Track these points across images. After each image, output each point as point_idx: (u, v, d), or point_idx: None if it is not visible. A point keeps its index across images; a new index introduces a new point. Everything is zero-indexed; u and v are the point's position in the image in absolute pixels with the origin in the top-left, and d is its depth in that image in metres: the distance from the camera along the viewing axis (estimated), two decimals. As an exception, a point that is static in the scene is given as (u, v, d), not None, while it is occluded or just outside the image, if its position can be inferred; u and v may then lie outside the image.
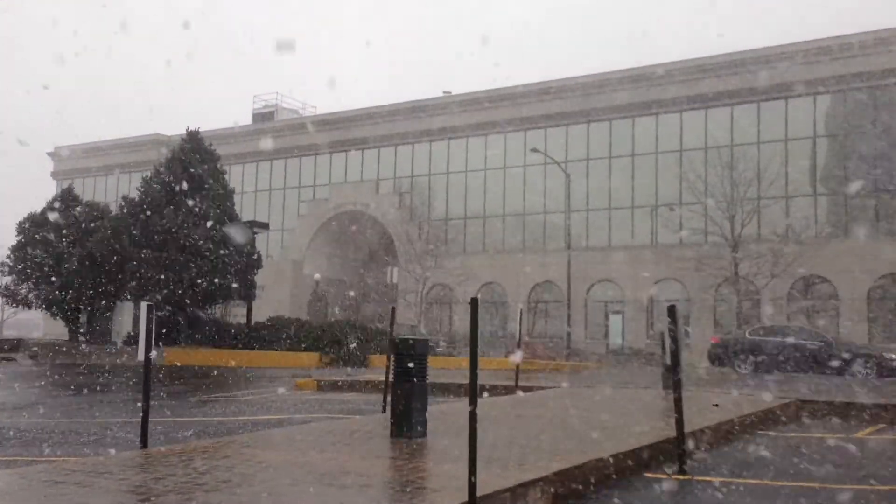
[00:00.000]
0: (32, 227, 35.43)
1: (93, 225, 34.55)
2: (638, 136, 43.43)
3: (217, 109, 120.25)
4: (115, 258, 32.87)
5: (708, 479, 7.47)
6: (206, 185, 32.89)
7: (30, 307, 37.16)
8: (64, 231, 34.43)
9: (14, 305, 37.98)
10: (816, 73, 38.39)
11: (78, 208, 35.94)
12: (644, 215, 42.71)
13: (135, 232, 32.40)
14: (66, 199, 37.18)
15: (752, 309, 38.50)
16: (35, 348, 35.34)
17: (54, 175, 63.16)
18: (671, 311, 8.00)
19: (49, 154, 64.69)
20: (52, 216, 35.34)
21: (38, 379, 22.42)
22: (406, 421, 8.36)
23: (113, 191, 56.81)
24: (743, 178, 36.46)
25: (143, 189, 33.99)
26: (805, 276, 37.62)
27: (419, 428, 8.42)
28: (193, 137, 34.31)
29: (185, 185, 32.05)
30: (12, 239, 35.99)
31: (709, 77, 41.18)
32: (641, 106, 42.97)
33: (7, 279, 35.72)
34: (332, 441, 8.32)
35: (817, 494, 6.87)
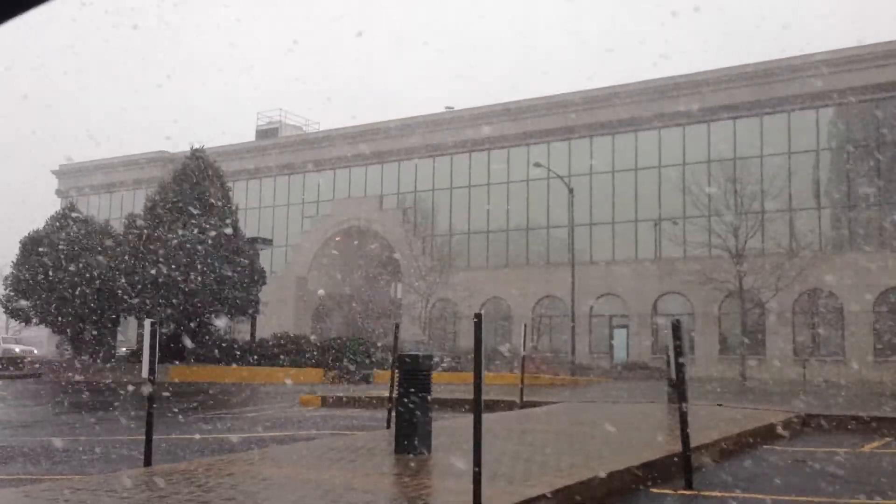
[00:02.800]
0: (34, 243, 35.60)
1: (94, 241, 34.68)
2: (641, 150, 43.50)
3: (222, 126, 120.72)
4: (117, 275, 32.95)
5: (715, 493, 7.44)
6: (211, 202, 33.00)
7: (29, 322, 37.25)
8: (64, 247, 34.56)
9: (16, 319, 38.16)
10: (818, 86, 38.46)
11: (75, 226, 35.99)
12: (648, 229, 42.69)
13: (141, 248, 32.47)
14: (68, 216, 37.32)
15: (757, 323, 38.42)
16: (37, 365, 35.40)
17: (59, 193, 63.38)
18: (675, 326, 7.99)
19: (54, 172, 65.02)
20: (53, 233, 35.51)
21: (41, 396, 22.40)
22: (410, 437, 8.34)
23: (118, 208, 57.00)
24: (746, 192, 36.46)
25: (147, 206, 34.13)
26: (810, 290, 37.54)
27: (424, 444, 8.38)
28: (198, 155, 34.44)
29: (189, 202, 32.16)
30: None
31: (711, 90, 41.29)
32: (644, 120, 43.05)
33: (8, 293, 35.80)
34: (336, 458, 8.30)
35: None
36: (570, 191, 39.41)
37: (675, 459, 8.02)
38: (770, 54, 53.59)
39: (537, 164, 41.36)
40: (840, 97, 38.41)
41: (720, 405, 11.00)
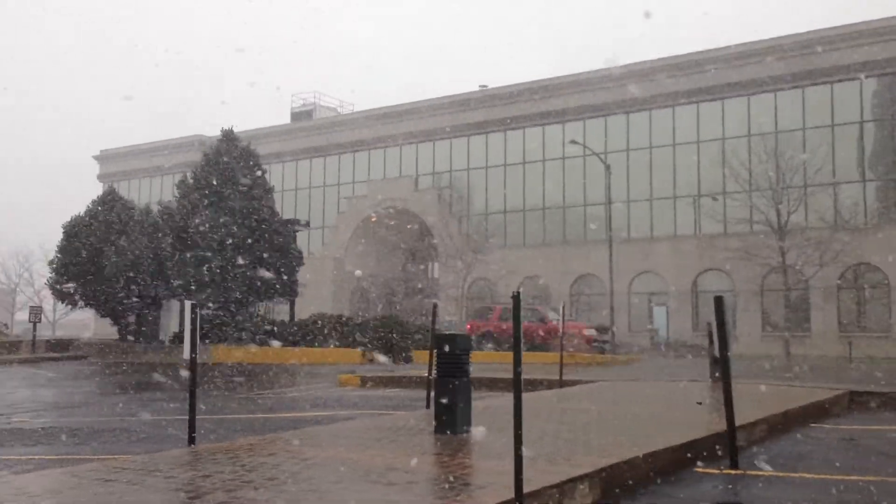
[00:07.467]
0: (76, 227, 36.32)
1: (134, 225, 35.22)
2: (678, 125, 42.84)
3: (260, 110, 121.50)
4: (156, 257, 33.45)
5: (760, 472, 7.30)
6: (245, 185, 33.11)
7: (75, 305, 38.15)
8: (105, 231, 35.22)
9: (62, 302, 39.12)
10: (862, 56, 37.42)
11: (115, 211, 36.58)
12: (686, 205, 42.12)
13: (179, 232, 32.81)
14: (109, 200, 37.93)
15: (801, 299, 37.76)
16: (86, 347, 36.18)
17: (101, 178, 64.43)
18: (718, 302, 7.82)
19: (95, 157, 66.07)
20: (95, 217, 36.18)
21: (88, 378, 22.85)
22: (450, 417, 8.31)
23: (158, 192, 57.77)
24: (788, 165, 35.73)
25: (179, 191, 34.32)
26: (855, 265, 36.77)
27: (463, 423, 8.35)
28: (229, 137, 34.49)
29: (222, 185, 32.33)
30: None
31: (751, 63, 40.42)
32: (682, 94, 42.36)
33: (55, 277, 36.62)
34: (376, 437, 8.30)
35: (873, 488, 6.66)
36: (607, 167, 38.96)
37: (721, 438, 7.89)
38: (812, 24, 52.24)
39: (573, 142, 40.94)
40: (884, 67, 37.35)
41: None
